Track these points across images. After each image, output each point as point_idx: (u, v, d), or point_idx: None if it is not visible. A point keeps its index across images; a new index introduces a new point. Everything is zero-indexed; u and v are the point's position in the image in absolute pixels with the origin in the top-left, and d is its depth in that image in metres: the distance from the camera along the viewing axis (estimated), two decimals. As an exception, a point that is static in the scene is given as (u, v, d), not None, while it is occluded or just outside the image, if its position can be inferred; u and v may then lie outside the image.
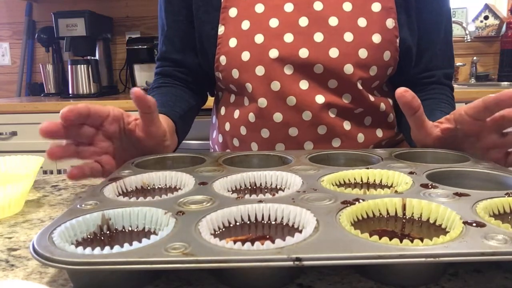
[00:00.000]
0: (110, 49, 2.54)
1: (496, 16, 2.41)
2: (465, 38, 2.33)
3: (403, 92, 0.59)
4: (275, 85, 0.75)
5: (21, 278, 0.37)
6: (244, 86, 0.77)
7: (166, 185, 0.53)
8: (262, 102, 0.76)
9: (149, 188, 0.53)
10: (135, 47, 2.33)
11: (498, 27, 2.41)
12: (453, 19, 2.41)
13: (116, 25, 2.56)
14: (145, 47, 2.31)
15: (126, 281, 0.35)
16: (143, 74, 2.39)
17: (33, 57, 2.65)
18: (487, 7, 2.44)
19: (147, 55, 2.32)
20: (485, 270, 0.36)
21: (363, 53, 0.73)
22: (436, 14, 0.81)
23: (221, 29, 0.78)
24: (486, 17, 2.43)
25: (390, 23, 0.75)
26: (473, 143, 0.62)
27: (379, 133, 0.80)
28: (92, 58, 2.33)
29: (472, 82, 2.47)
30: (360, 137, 0.78)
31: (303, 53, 0.73)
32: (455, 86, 1.78)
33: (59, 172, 1.97)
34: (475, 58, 2.43)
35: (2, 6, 2.63)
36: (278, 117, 0.75)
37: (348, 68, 0.73)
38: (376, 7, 0.75)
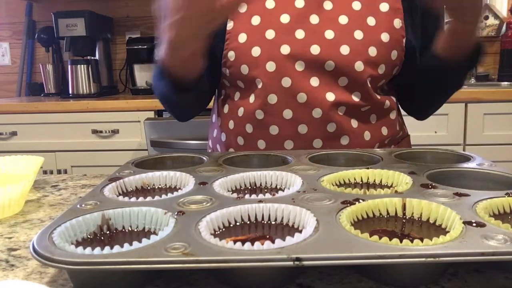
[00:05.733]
0: (110, 49, 2.53)
1: (496, 16, 2.41)
2: (465, 38, 2.33)
3: None
4: (286, 81, 0.75)
5: (21, 278, 0.37)
6: (254, 82, 0.76)
7: (166, 185, 0.53)
8: (272, 98, 0.76)
9: (149, 188, 0.53)
10: (135, 47, 2.32)
11: (498, 27, 2.40)
12: (453, 19, 2.40)
13: (116, 25, 2.55)
14: (145, 47, 2.30)
15: (126, 281, 0.35)
16: (143, 74, 2.38)
17: (33, 57, 2.65)
18: (487, 7, 2.44)
19: (147, 55, 2.31)
20: (485, 270, 0.36)
21: (372, 51, 0.74)
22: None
23: (230, 25, 0.77)
24: (486, 17, 2.43)
25: (397, 23, 0.76)
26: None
27: (384, 130, 0.81)
28: (92, 58, 2.33)
29: (472, 82, 2.47)
30: (367, 134, 0.78)
31: (315, 49, 0.73)
32: (455, 86, 1.75)
33: (59, 172, 1.97)
34: (475, 58, 2.43)
35: (2, 6, 2.62)
36: (287, 113, 0.75)
37: (359, 66, 0.73)
38: (384, 7, 0.76)
